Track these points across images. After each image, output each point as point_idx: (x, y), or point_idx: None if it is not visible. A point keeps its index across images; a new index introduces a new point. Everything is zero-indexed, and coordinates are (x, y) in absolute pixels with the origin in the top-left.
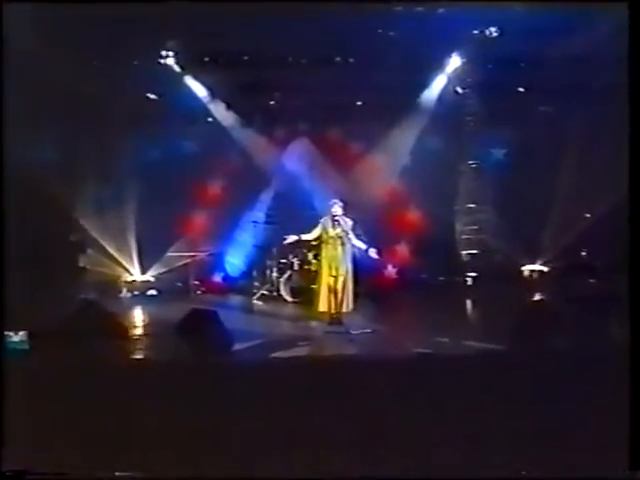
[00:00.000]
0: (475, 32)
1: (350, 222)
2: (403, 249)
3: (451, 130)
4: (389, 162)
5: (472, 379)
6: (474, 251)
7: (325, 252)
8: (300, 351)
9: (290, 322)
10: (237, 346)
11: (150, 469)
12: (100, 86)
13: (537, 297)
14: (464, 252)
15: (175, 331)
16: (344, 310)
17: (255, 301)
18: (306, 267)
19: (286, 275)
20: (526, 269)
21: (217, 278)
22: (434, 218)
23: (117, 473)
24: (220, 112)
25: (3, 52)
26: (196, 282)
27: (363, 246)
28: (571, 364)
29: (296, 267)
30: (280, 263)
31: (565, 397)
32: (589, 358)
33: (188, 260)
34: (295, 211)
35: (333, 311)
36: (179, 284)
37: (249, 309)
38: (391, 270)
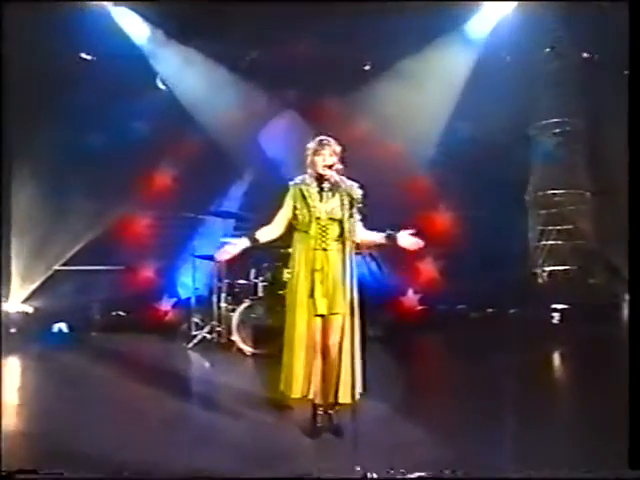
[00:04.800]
0: None
1: (359, 190)
2: (430, 267)
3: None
4: (410, 143)
5: None
6: (560, 267)
7: (303, 258)
8: None
9: (246, 409)
10: None
11: None
12: None
13: None
14: (540, 269)
15: None
16: (343, 400)
17: (190, 351)
18: (279, 292)
19: (243, 306)
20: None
21: (166, 304)
22: (480, 218)
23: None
24: (168, 64)
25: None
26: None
27: (378, 237)
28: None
29: (261, 292)
30: (233, 286)
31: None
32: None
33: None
34: (277, 211)
35: (319, 400)
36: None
37: (175, 370)
38: (412, 297)
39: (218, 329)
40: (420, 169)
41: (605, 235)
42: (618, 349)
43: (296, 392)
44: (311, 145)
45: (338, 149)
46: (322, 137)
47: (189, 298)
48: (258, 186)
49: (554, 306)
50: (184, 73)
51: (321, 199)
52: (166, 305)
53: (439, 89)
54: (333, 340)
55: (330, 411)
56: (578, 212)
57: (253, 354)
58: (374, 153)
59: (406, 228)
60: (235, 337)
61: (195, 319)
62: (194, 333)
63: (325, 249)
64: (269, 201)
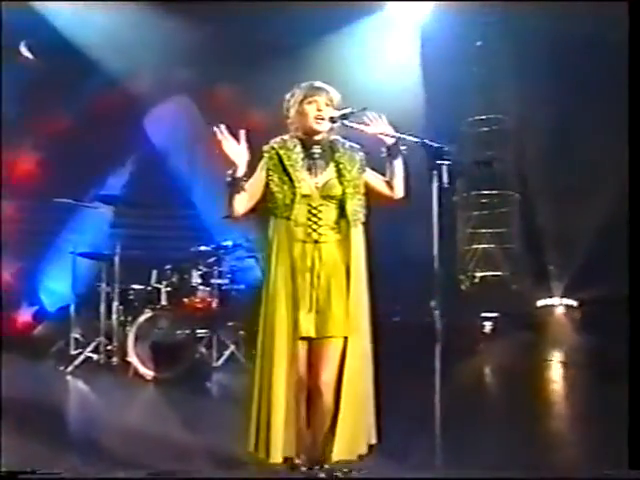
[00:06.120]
0: None
1: (360, 152)
2: None
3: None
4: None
5: None
6: (491, 273)
7: (283, 253)
8: None
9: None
10: None
11: None
12: None
13: None
14: (471, 274)
15: None
16: (338, 457)
17: (70, 376)
18: (193, 299)
19: (143, 317)
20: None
21: (24, 315)
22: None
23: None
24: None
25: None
26: None
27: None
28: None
29: (164, 300)
30: (127, 292)
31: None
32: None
33: None
34: (162, 207)
35: (302, 460)
36: None
37: (47, 402)
38: None
39: (108, 347)
40: None
41: (531, 239)
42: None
43: (275, 456)
44: (298, 91)
45: (336, 99)
46: (315, 83)
47: (66, 307)
48: (141, 176)
49: (485, 314)
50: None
51: (310, 170)
52: (25, 315)
53: (350, 79)
54: (326, 377)
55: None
56: (508, 214)
57: (156, 379)
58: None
59: None
60: (131, 357)
61: (75, 334)
62: (74, 352)
63: (317, 241)
64: (151, 196)
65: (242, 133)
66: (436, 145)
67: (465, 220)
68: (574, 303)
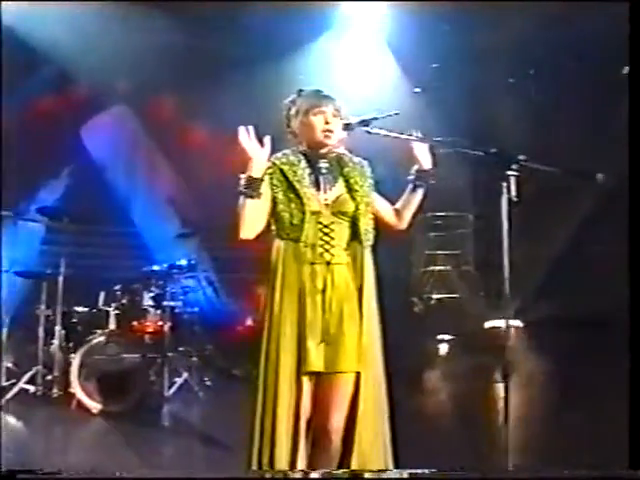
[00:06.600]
0: None
1: (368, 168)
2: None
3: None
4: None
5: None
6: (446, 295)
7: (290, 276)
8: None
9: None
10: None
11: None
12: None
13: None
14: (427, 296)
15: None
16: None
17: (4, 414)
18: (143, 322)
19: (89, 344)
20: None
21: None
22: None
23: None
24: None
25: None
26: None
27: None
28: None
29: (112, 324)
30: (70, 315)
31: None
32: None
33: None
34: (99, 223)
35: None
36: None
37: None
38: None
39: (47, 377)
40: None
41: (483, 260)
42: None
43: (282, 460)
44: (300, 100)
45: (341, 109)
46: (314, 88)
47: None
48: (77, 190)
49: (441, 337)
50: None
51: (318, 185)
52: None
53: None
54: (337, 420)
55: None
56: (463, 236)
57: (103, 412)
58: (216, 160)
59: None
60: (75, 388)
61: (7, 363)
62: (5, 384)
63: (329, 262)
64: (86, 210)
65: (268, 138)
66: (508, 154)
67: (423, 242)
68: (522, 324)
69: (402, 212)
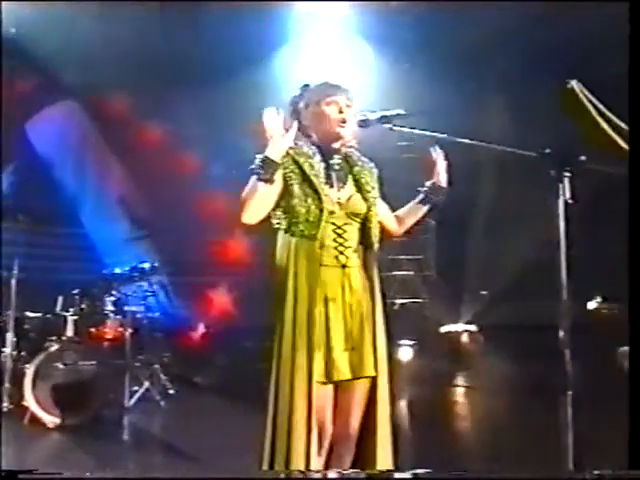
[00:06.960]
0: None
1: (375, 170)
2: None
3: None
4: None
5: None
6: (409, 300)
7: (305, 279)
8: None
9: None
10: None
11: None
12: None
13: None
14: (390, 301)
15: None
16: None
17: None
18: (102, 328)
19: (45, 352)
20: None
21: None
22: None
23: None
24: None
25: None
26: None
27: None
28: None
29: (70, 330)
30: (22, 322)
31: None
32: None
33: None
34: (48, 223)
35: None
36: None
37: None
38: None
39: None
40: (222, 185)
41: (447, 265)
42: None
43: (299, 459)
44: (311, 91)
45: (355, 99)
46: (326, 80)
47: None
48: (21, 188)
49: (402, 342)
50: None
51: (330, 182)
52: None
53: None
54: (355, 425)
55: None
56: (425, 241)
57: (60, 426)
58: (168, 163)
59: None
60: (29, 401)
61: None
62: None
63: (345, 265)
64: (37, 209)
65: (295, 123)
66: (565, 153)
67: (385, 247)
68: (478, 328)
69: (404, 220)
